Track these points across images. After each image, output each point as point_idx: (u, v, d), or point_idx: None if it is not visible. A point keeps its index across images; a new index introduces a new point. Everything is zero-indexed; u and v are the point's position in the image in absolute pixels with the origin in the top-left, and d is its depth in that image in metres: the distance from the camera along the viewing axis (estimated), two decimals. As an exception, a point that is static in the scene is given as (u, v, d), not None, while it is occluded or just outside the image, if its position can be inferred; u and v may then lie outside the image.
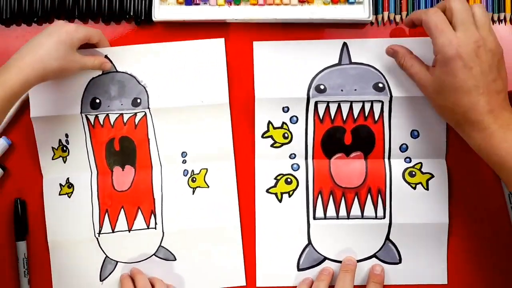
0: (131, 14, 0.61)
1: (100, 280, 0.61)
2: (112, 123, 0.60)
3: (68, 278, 0.61)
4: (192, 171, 0.61)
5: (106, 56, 0.60)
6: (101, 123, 0.60)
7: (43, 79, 0.54)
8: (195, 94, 0.59)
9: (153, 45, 0.60)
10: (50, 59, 0.53)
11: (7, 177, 0.62)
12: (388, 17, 0.61)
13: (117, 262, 0.61)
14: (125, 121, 0.60)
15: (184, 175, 0.61)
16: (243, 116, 0.61)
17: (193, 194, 0.61)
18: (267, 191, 0.60)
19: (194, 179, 0.61)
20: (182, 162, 0.61)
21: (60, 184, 0.61)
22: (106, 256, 0.61)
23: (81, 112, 0.60)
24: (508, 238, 0.60)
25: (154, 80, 0.60)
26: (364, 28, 0.61)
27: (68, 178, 0.61)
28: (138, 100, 0.60)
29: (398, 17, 0.61)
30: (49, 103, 0.60)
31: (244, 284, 0.60)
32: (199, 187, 0.61)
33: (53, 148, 0.61)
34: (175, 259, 0.61)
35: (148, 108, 0.59)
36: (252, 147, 0.60)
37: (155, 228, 0.61)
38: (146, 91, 0.60)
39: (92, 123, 0.60)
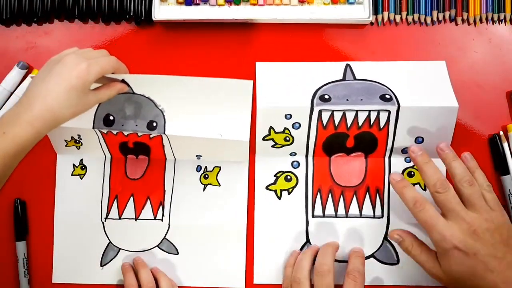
0: (131, 14, 0.61)
1: (101, 266, 0.61)
2: (125, 135, 0.59)
3: (69, 260, 0.61)
4: (206, 167, 0.61)
5: (122, 80, 0.57)
6: (114, 134, 0.59)
7: (55, 127, 0.50)
8: (215, 127, 0.57)
9: (176, 77, 0.58)
10: (61, 108, 0.49)
11: (7, 177, 0.62)
12: (388, 17, 0.61)
13: (119, 249, 0.61)
14: (139, 135, 0.59)
15: (197, 170, 0.61)
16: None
17: (203, 190, 0.61)
18: (267, 188, 0.60)
19: (207, 176, 0.61)
20: (197, 159, 0.61)
21: (74, 165, 0.62)
22: (110, 242, 0.61)
23: (93, 127, 0.58)
24: (508, 238, 0.60)
25: (173, 106, 0.57)
26: (364, 28, 0.61)
27: (81, 160, 0.62)
28: (154, 124, 0.57)
29: (398, 17, 0.61)
30: None
31: (243, 287, 0.60)
32: (211, 184, 0.61)
33: (65, 140, 0.61)
34: (178, 253, 0.61)
35: (164, 133, 0.57)
36: (252, 147, 0.60)
37: (162, 220, 0.61)
38: (163, 116, 0.58)
39: (105, 133, 0.59)
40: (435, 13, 0.61)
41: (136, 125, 0.58)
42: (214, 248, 0.60)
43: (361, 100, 0.57)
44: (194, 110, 0.57)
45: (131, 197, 0.61)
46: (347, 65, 0.60)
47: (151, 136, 0.58)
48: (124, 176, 0.61)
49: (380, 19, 0.61)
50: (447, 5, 0.61)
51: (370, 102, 0.57)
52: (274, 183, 0.60)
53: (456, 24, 0.61)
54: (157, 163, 0.61)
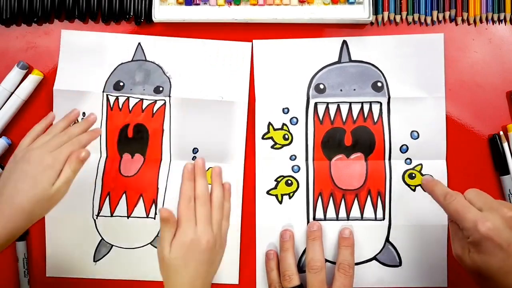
0: (131, 14, 0.61)
1: (94, 261, 0.61)
2: (130, 108, 0.60)
3: (62, 255, 0.61)
4: None
5: (139, 44, 0.61)
6: (120, 106, 0.60)
7: (32, 223, 0.50)
8: (216, 89, 0.60)
9: (184, 39, 0.61)
10: (32, 206, 0.48)
11: (7, 177, 0.62)
12: (388, 17, 0.61)
13: (112, 245, 0.61)
14: (143, 107, 0.60)
15: None
16: (243, 116, 0.61)
17: None
18: (268, 192, 0.60)
19: None
20: (192, 159, 0.61)
21: None
22: (102, 239, 0.61)
23: (103, 91, 0.60)
24: (508, 239, 0.60)
25: (179, 73, 0.61)
26: (364, 28, 0.61)
27: None
28: (161, 88, 0.61)
29: (398, 17, 0.61)
30: (74, 79, 0.61)
31: (237, 283, 0.60)
32: None
33: None
34: None
35: (169, 96, 0.60)
36: (252, 148, 0.60)
37: (154, 218, 0.61)
38: (170, 82, 0.61)
39: (111, 105, 0.60)
40: (435, 13, 0.61)
41: (144, 89, 0.60)
42: None
43: (354, 90, 0.59)
44: (197, 74, 0.61)
45: (124, 194, 0.61)
46: (344, 41, 0.60)
47: (154, 109, 0.60)
48: (118, 173, 0.61)
49: (380, 19, 0.61)
50: (447, 5, 0.61)
51: (362, 92, 0.59)
52: (275, 187, 0.60)
53: (456, 24, 0.61)
54: (152, 161, 0.61)
